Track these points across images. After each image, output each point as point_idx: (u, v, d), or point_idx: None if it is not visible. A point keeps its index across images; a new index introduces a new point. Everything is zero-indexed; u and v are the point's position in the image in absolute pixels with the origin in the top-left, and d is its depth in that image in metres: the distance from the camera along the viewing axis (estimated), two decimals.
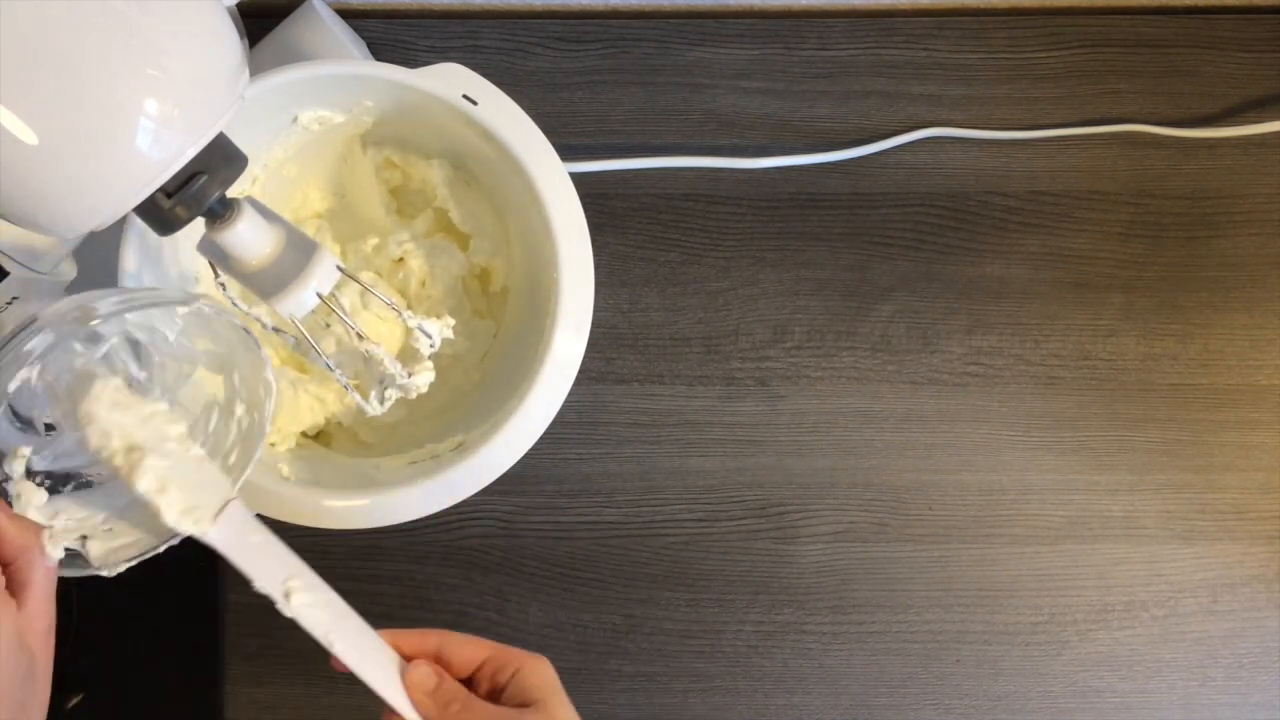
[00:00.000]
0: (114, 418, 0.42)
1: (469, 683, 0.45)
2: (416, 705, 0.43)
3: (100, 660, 0.66)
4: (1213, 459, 0.68)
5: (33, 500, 0.42)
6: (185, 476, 0.42)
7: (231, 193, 0.42)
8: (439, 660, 0.45)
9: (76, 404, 0.42)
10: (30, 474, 0.43)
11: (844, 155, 0.68)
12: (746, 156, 0.67)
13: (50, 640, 0.40)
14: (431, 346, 0.51)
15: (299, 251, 0.45)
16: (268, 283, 0.45)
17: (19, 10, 0.33)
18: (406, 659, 0.45)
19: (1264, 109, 0.68)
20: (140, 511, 0.43)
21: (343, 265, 0.46)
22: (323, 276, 0.45)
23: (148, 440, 0.42)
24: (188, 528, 0.42)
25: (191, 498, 0.42)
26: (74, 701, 0.66)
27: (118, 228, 0.51)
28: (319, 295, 0.45)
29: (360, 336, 0.49)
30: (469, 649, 0.45)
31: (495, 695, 0.44)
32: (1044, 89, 0.69)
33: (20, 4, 0.33)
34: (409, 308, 0.59)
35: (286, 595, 0.43)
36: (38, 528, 0.41)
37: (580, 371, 0.55)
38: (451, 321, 0.52)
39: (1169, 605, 0.68)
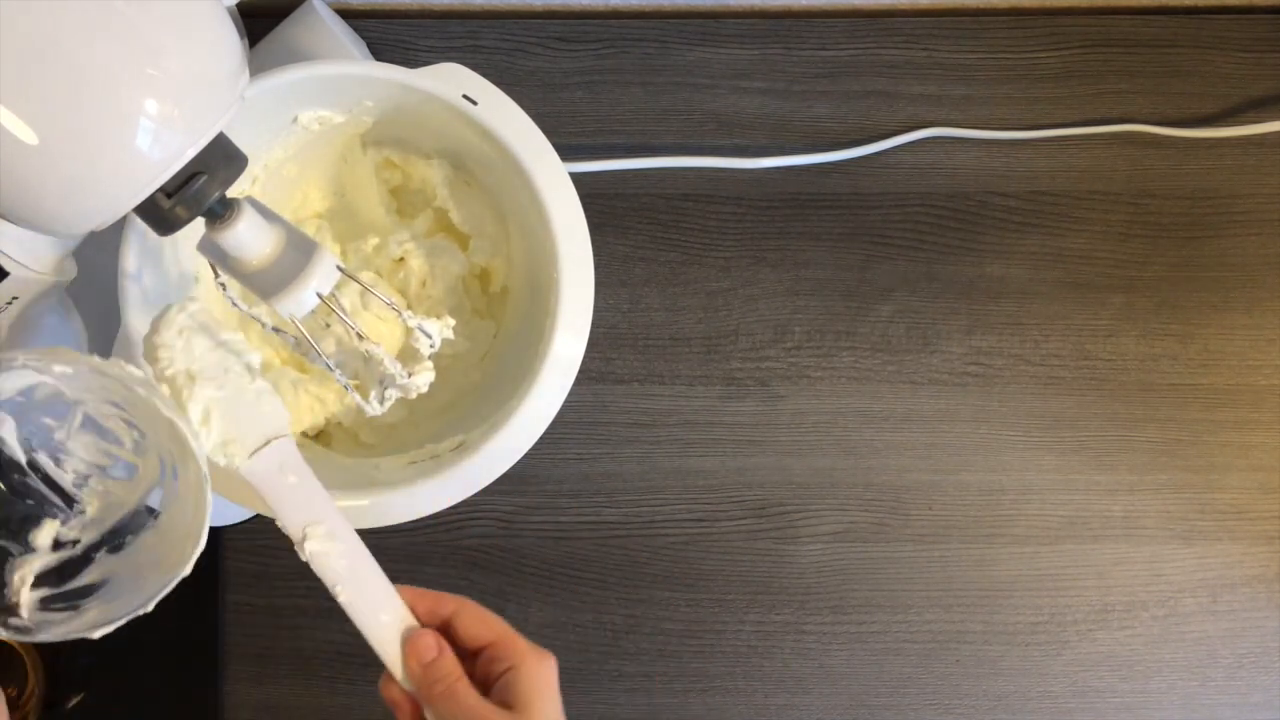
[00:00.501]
0: (179, 343, 0.42)
1: (473, 658, 0.45)
2: (408, 672, 0.43)
3: (100, 660, 0.66)
4: (1213, 459, 0.68)
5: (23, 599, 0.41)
6: (237, 408, 0.43)
7: (231, 193, 0.42)
8: (449, 630, 0.45)
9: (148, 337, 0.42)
10: (58, 544, 0.43)
11: (844, 155, 0.68)
12: (746, 156, 0.67)
13: None
14: (431, 346, 0.51)
15: (299, 251, 0.45)
16: (268, 283, 0.45)
17: (19, 10, 0.33)
18: (420, 620, 0.45)
19: (1264, 109, 0.68)
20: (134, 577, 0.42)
21: (343, 265, 0.46)
22: (323, 276, 0.45)
23: (207, 369, 0.42)
24: (219, 459, 0.42)
25: (234, 430, 0.43)
26: (74, 701, 0.66)
27: (118, 228, 0.51)
28: (319, 295, 0.45)
29: (360, 336, 0.49)
30: (478, 627, 0.45)
31: (489, 683, 0.44)
32: (1044, 89, 0.69)
33: (20, 4, 0.33)
34: (409, 308, 0.59)
35: (304, 539, 0.43)
36: None
37: (580, 371, 0.55)
38: (451, 322, 0.52)
39: (1169, 605, 0.68)
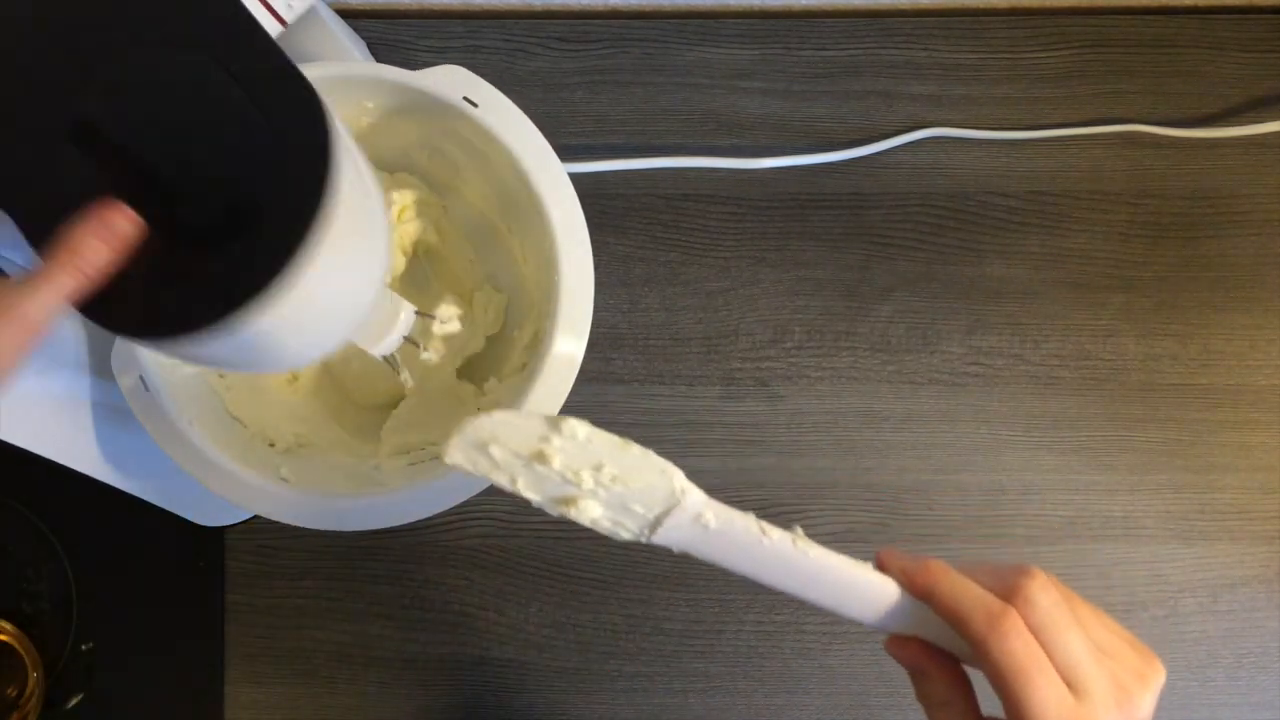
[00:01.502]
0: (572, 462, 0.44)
1: None
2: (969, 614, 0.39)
3: (100, 660, 0.66)
4: (1213, 459, 0.68)
5: None
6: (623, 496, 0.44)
7: None
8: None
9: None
10: None
11: (844, 155, 0.68)
12: (746, 156, 0.67)
13: None
14: (441, 323, 0.52)
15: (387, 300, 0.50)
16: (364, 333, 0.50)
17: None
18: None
19: (1264, 109, 0.68)
20: None
21: (418, 310, 0.51)
22: (405, 323, 0.50)
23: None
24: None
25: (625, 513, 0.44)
26: (74, 701, 0.66)
27: None
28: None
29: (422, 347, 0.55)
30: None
31: None
32: (1044, 89, 0.69)
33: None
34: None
35: (800, 540, 0.42)
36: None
37: (580, 371, 0.55)
38: (458, 310, 0.54)
39: (1169, 605, 0.67)
